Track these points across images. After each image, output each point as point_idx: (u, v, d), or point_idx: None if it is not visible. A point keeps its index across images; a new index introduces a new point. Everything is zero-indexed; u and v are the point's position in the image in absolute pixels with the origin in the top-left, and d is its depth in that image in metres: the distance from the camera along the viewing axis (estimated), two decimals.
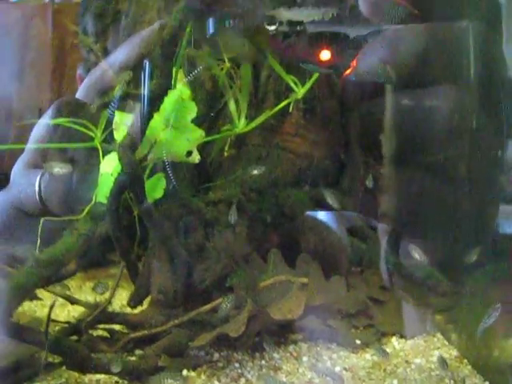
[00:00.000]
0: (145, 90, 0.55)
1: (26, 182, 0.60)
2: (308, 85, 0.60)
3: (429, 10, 0.54)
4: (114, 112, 0.60)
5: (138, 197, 0.52)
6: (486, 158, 0.55)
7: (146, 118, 0.53)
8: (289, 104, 0.61)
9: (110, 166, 0.53)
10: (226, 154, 0.63)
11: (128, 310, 0.57)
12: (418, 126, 0.55)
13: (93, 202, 0.52)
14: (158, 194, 0.53)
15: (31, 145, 0.62)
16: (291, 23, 0.52)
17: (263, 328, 0.53)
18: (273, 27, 0.52)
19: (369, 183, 0.54)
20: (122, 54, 0.62)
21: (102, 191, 0.52)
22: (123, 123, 0.54)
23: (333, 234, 0.59)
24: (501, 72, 0.55)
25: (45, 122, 0.60)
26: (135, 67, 0.63)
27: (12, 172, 0.63)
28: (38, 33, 0.71)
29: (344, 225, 0.82)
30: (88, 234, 0.51)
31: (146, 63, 0.57)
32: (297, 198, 0.60)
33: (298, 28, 0.53)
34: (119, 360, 0.46)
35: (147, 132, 0.53)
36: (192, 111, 0.54)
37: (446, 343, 0.57)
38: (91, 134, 0.56)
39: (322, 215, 0.85)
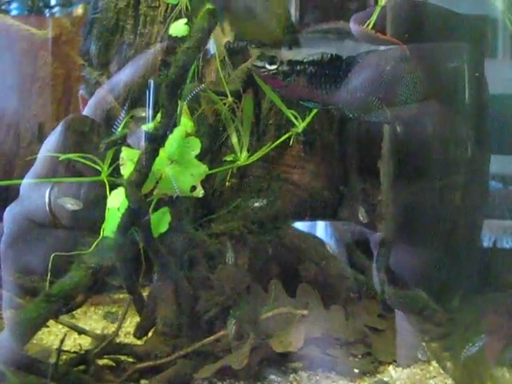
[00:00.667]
0: (149, 111, 0.57)
1: (36, 195, 0.62)
2: (308, 119, 0.62)
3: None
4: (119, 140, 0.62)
5: (144, 231, 0.54)
6: (475, 175, 0.57)
7: (151, 155, 0.54)
8: (289, 137, 0.63)
9: (116, 201, 0.55)
10: (227, 184, 0.65)
11: (132, 337, 0.60)
12: (411, 147, 0.56)
13: (100, 237, 0.54)
14: (163, 228, 0.55)
15: (40, 162, 0.63)
16: (291, 63, 0.54)
17: (264, 357, 0.55)
18: (273, 66, 0.54)
19: (362, 217, 0.56)
20: (125, 74, 0.64)
21: (109, 226, 0.54)
22: (130, 159, 0.55)
23: (332, 264, 0.60)
24: (484, 90, 0.57)
25: (53, 138, 0.61)
26: (139, 89, 0.65)
27: (22, 185, 0.65)
28: (43, 64, 0.73)
29: (344, 240, 0.84)
30: (96, 267, 0.53)
31: (151, 83, 0.59)
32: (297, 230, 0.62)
33: (298, 67, 0.55)
34: None
35: (153, 168, 0.54)
36: (196, 147, 0.56)
37: (442, 372, 0.59)
38: (98, 168, 0.58)
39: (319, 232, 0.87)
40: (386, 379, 0.57)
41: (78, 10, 1.01)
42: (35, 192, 0.62)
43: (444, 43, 0.55)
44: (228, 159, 0.63)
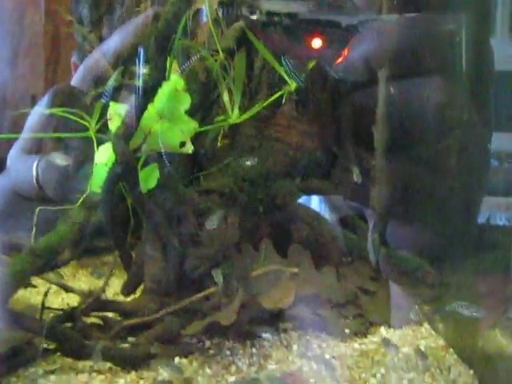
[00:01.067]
0: (139, 79, 0.55)
1: (23, 168, 0.61)
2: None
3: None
4: (108, 100, 0.61)
5: (132, 187, 0.53)
6: (475, 149, 0.56)
7: (141, 109, 0.53)
8: (282, 95, 0.62)
9: (104, 156, 0.54)
10: (219, 144, 0.64)
11: (121, 297, 0.59)
12: (408, 116, 0.56)
13: (87, 192, 0.53)
14: (152, 184, 0.54)
15: (27, 131, 0.62)
16: (269, 13, 0.53)
17: (255, 316, 0.54)
18: (254, 16, 0.53)
19: (357, 178, 0.55)
20: (115, 41, 0.63)
21: (96, 181, 0.53)
22: (117, 113, 0.54)
23: (324, 225, 0.59)
24: (489, 63, 0.56)
25: (40, 109, 0.60)
26: (129, 55, 0.64)
27: (8, 157, 0.64)
28: (31, 22, 0.71)
29: (335, 214, 0.83)
30: (82, 222, 0.52)
31: (141, 51, 0.57)
32: (288, 189, 0.61)
33: (276, 19, 0.53)
34: (99, 350, 0.47)
35: (141, 123, 0.53)
36: (186, 103, 0.55)
37: (433, 333, 0.58)
38: (86, 124, 0.56)
39: (313, 205, 0.86)
40: (376, 339, 0.56)
41: None
42: (22, 164, 0.61)
43: (447, 13, 0.54)
44: (219, 119, 0.62)
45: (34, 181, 0.59)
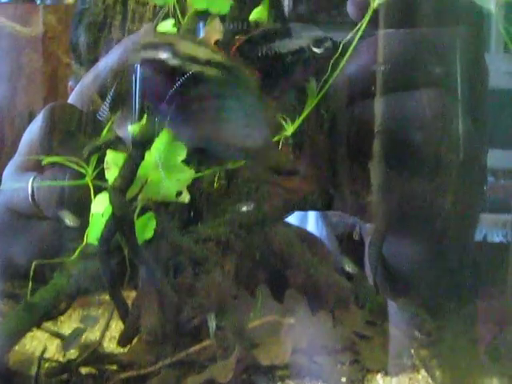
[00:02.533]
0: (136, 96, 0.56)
1: (18, 184, 0.60)
2: (297, 123, 0.61)
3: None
4: (104, 117, 0.61)
5: (128, 238, 0.53)
6: (471, 164, 0.57)
7: (137, 159, 0.53)
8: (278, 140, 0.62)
9: (101, 206, 0.54)
10: (215, 185, 0.64)
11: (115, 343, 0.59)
12: (404, 132, 0.56)
13: (83, 243, 0.53)
14: (149, 234, 0.54)
15: (22, 149, 0.62)
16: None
17: (250, 365, 0.54)
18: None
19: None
20: (112, 58, 0.63)
21: (93, 232, 0.53)
22: (115, 163, 0.54)
23: (320, 272, 0.59)
24: (483, 79, 0.56)
25: (36, 126, 0.60)
26: (125, 72, 0.64)
27: (3, 175, 0.64)
28: (29, 61, 0.71)
29: (333, 232, 0.83)
30: (78, 274, 0.52)
31: (137, 67, 0.57)
32: (285, 235, 0.61)
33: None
34: None
35: (138, 172, 0.53)
36: (182, 152, 0.55)
37: (430, 381, 0.58)
38: (83, 170, 0.56)
39: (310, 222, 0.87)
40: None
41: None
42: (17, 181, 0.61)
43: (444, 28, 0.54)
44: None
45: (30, 198, 0.59)
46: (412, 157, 0.57)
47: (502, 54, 0.72)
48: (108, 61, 0.63)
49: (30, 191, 0.59)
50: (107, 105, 0.61)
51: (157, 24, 0.63)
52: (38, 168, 0.60)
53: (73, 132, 0.59)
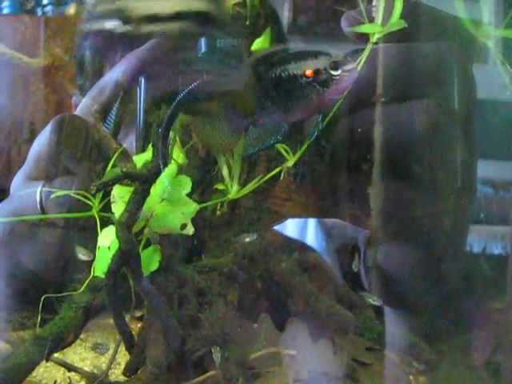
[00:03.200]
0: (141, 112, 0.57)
1: (26, 193, 0.61)
2: (299, 154, 0.62)
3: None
4: (110, 130, 0.63)
5: (134, 271, 0.54)
6: (461, 173, 0.58)
7: (143, 194, 0.54)
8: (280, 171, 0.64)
9: (107, 240, 0.55)
10: (218, 212, 0.66)
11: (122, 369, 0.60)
12: (398, 143, 0.57)
13: (90, 276, 0.54)
14: (154, 266, 0.56)
15: (31, 160, 0.63)
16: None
17: None
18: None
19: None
20: (117, 72, 0.64)
21: (100, 266, 0.54)
22: (121, 197, 0.56)
23: (320, 301, 0.61)
24: (472, 91, 0.58)
25: (43, 137, 0.61)
26: (131, 84, 0.65)
27: (12, 184, 0.65)
28: (35, 90, 0.72)
29: (332, 243, 0.84)
30: (86, 306, 0.53)
31: (142, 80, 0.59)
32: (286, 265, 0.62)
33: None
34: None
35: (144, 206, 0.55)
36: (187, 186, 0.57)
37: None
38: (89, 203, 0.58)
39: (309, 232, 0.88)
40: None
41: (71, 10, 1.01)
42: (26, 190, 0.62)
43: (432, 43, 0.55)
44: (219, 188, 0.63)
45: (38, 206, 0.60)
46: (407, 168, 0.58)
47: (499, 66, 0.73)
48: (112, 75, 0.64)
49: (38, 199, 0.60)
50: (112, 118, 0.63)
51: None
52: (46, 177, 0.61)
53: (80, 143, 0.61)
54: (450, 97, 0.57)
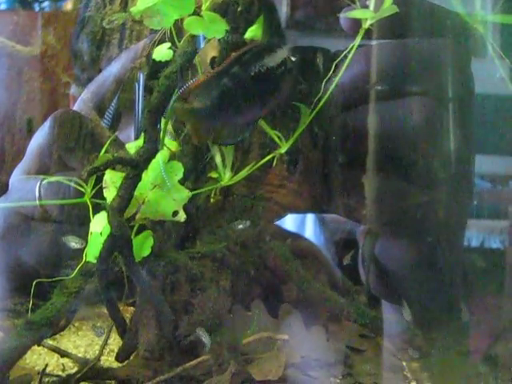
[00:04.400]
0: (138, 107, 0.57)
1: (25, 188, 0.62)
2: (291, 140, 0.62)
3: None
4: (109, 124, 0.63)
5: (126, 256, 0.54)
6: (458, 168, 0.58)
7: (135, 179, 0.54)
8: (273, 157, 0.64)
9: (99, 226, 0.55)
10: (212, 200, 0.65)
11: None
12: (395, 138, 0.57)
13: (82, 262, 0.54)
14: (146, 252, 0.56)
15: (29, 155, 0.64)
16: None
17: (245, 380, 0.55)
18: None
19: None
20: (115, 67, 0.64)
21: (92, 251, 0.54)
22: (113, 183, 0.56)
23: (313, 287, 0.61)
24: (470, 87, 0.58)
25: (43, 133, 0.62)
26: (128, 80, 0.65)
27: (11, 179, 0.65)
28: (28, 79, 0.72)
29: (330, 236, 0.84)
30: (78, 291, 0.53)
31: (141, 75, 0.59)
32: (279, 251, 0.62)
33: None
34: None
35: (136, 192, 0.55)
36: (179, 172, 0.56)
37: None
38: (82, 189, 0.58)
39: (307, 226, 0.88)
40: None
41: (68, 5, 1.01)
42: (25, 185, 0.62)
43: (430, 39, 0.55)
44: (213, 176, 0.63)
45: (37, 201, 0.60)
46: (403, 162, 0.58)
47: (497, 60, 0.73)
48: (111, 70, 0.65)
49: (37, 194, 0.61)
50: (110, 112, 0.63)
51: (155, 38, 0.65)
52: (44, 172, 0.61)
53: (78, 138, 0.61)
54: (448, 91, 0.57)
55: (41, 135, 0.62)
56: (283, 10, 1.07)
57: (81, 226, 0.58)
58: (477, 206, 0.64)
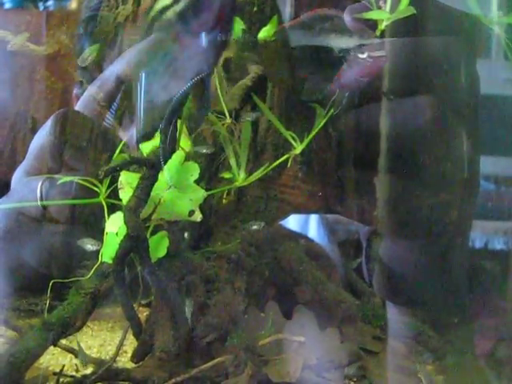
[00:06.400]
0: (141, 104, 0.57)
1: (27, 188, 0.61)
2: (306, 141, 0.62)
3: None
4: (112, 122, 0.62)
5: (142, 257, 0.54)
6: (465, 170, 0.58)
7: (151, 180, 0.54)
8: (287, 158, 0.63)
9: (115, 226, 0.55)
10: (224, 201, 0.65)
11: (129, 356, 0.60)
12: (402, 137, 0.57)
13: (98, 262, 0.54)
14: (161, 253, 0.55)
15: (31, 155, 0.63)
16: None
17: (262, 382, 0.55)
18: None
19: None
20: (118, 65, 0.64)
21: (108, 251, 0.54)
22: (129, 183, 0.55)
23: (328, 289, 0.61)
24: (476, 87, 0.58)
25: (44, 133, 0.61)
26: (132, 78, 0.65)
27: (12, 180, 0.65)
28: (41, 78, 0.72)
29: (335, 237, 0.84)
30: (94, 292, 0.53)
31: (143, 74, 0.58)
32: (293, 252, 0.62)
33: None
34: None
35: (152, 193, 0.54)
36: (195, 172, 0.56)
37: None
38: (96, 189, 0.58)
39: (311, 227, 0.87)
40: None
41: (73, 4, 1.00)
42: (26, 185, 0.62)
43: (436, 37, 0.55)
44: (226, 177, 0.63)
45: (39, 202, 0.60)
46: (411, 164, 0.58)
47: (502, 61, 0.73)
48: (114, 69, 0.64)
49: (39, 195, 0.60)
50: (113, 111, 0.62)
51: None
52: (46, 172, 0.61)
53: (80, 138, 0.61)
54: (455, 91, 0.56)
55: (42, 135, 0.61)
56: (287, 10, 1.07)
57: (87, 226, 0.58)
58: (481, 207, 0.64)
